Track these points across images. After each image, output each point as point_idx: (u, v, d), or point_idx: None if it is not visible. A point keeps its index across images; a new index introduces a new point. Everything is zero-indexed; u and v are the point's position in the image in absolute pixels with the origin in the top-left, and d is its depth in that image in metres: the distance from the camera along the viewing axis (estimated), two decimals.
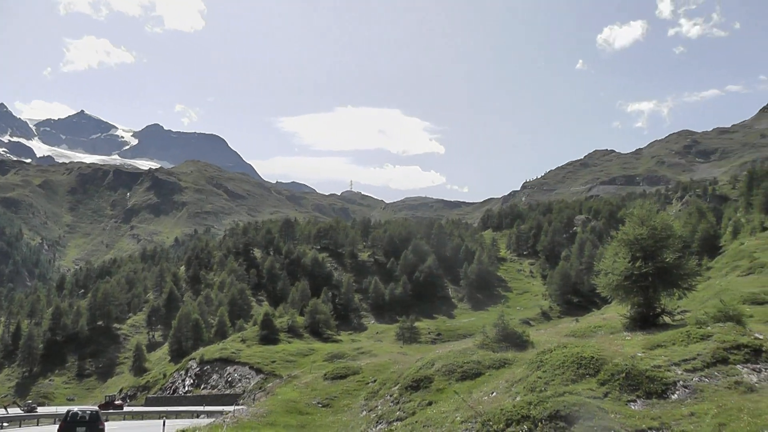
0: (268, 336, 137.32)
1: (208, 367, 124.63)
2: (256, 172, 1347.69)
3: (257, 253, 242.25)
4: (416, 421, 36.12)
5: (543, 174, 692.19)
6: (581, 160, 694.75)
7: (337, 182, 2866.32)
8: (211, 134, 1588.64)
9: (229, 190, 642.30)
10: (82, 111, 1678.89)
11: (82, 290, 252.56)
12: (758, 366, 30.40)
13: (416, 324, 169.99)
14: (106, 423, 49.56)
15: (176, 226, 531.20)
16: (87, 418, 43.24)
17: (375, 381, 56.63)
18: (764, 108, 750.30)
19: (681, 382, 29.24)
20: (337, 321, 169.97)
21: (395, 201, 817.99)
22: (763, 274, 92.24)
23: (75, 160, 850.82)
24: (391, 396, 45.75)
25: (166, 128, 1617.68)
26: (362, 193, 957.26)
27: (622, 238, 47.58)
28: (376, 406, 46.45)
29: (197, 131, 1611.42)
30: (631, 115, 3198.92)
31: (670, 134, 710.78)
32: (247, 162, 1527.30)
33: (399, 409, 41.04)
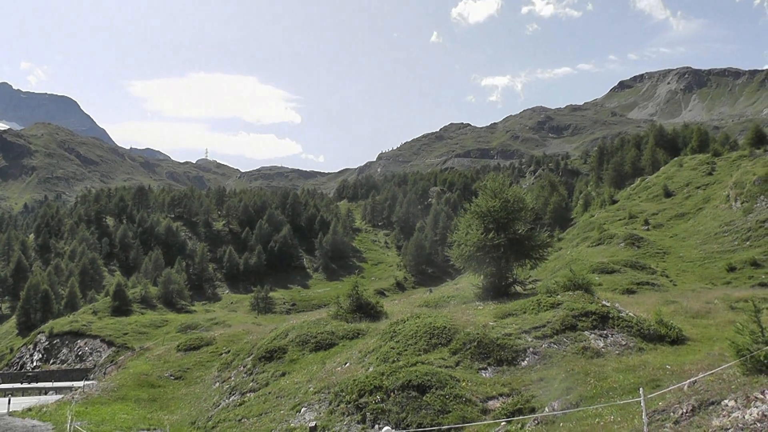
0: (121, 307, 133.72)
1: (58, 340, 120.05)
2: (109, 136, 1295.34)
3: (110, 221, 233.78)
4: (269, 392, 35.72)
5: (398, 146, 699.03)
6: (437, 132, 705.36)
7: (193, 150, 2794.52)
8: (63, 96, 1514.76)
9: (82, 155, 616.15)
10: None
11: None
12: (605, 332, 31.55)
13: (271, 294, 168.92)
14: None
15: (25, 192, 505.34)
16: None
17: (228, 352, 55.85)
18: (614, 87, 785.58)
19: (531, 349, 29.97)
20: (191, 291, 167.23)
21: (251, 170, 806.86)
22: (611, 245, 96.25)
23: None
24: (244, 367, 45.10)
25: (15, 87, 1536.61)
26: (218, 161, 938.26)
27: (475, 210, 48.34)
28: (230, 378, 45.77)
29: (48, 92, 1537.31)
30: (486, 90, 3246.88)
31: (525, 110, 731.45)
32: (100, 126, 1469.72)
33: (252, 380, 40.46)
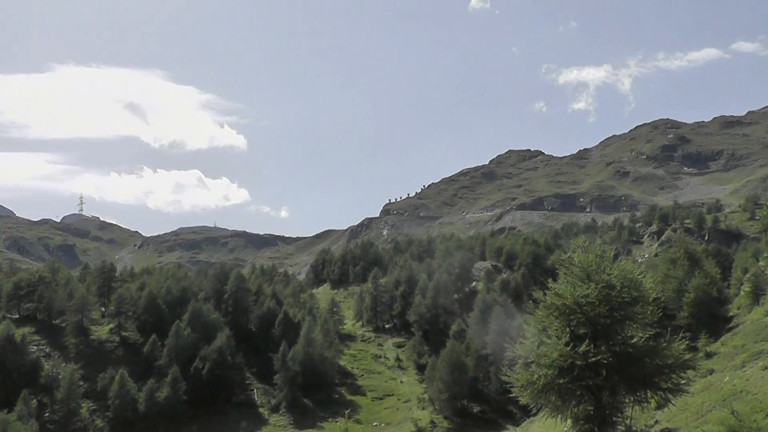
0: None
1: None
2: None
3: None
4: None
5: (418, 191, 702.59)
6: (484, 167, 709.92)
7: (54, 198, 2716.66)
8: None
9: None
10: None
11: None
12: None
13: None
14: None
15: None
16: None
17: None
18: None
19: None
20: None
21: (161, 233, 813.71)
22: None
23: None
24: None
25: None
26: (100, 218, 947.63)
27: (553, 302, 47.23)
28: None
29: None
30: (566, 91, 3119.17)
31: (638, 126, 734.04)
32: None
33: None
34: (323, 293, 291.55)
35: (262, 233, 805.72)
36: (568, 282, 46.78)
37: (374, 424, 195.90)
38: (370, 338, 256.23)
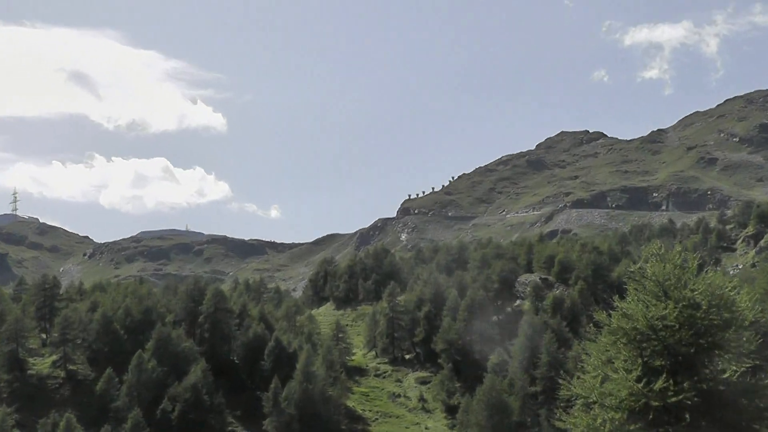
0: None
1: None
2: None
3: None
4: None
5: (445, 185, 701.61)
6: (530, 153, 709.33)
7: None
8: None
9: None
10: None
11: None
12: None
13: None
14: None
15: None
16: None
17: None
18: None
19: None
20: None
21: (117, 239, 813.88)
22: None
23: None
24: None
25: None
26: (40, 219, 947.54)
27: (621, 326, 46.79)
28: None
29: None
30: (634, 53, 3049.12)
31: (727, 100, 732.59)
32: None
33: None
34: (325, 315, 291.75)
35: (246, 239, 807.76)
36: (640, 300, 46.39)
37: None
38: (385, 372, 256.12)
